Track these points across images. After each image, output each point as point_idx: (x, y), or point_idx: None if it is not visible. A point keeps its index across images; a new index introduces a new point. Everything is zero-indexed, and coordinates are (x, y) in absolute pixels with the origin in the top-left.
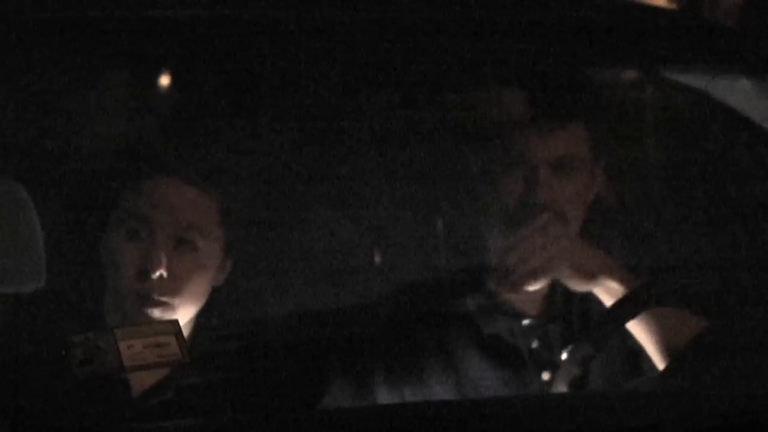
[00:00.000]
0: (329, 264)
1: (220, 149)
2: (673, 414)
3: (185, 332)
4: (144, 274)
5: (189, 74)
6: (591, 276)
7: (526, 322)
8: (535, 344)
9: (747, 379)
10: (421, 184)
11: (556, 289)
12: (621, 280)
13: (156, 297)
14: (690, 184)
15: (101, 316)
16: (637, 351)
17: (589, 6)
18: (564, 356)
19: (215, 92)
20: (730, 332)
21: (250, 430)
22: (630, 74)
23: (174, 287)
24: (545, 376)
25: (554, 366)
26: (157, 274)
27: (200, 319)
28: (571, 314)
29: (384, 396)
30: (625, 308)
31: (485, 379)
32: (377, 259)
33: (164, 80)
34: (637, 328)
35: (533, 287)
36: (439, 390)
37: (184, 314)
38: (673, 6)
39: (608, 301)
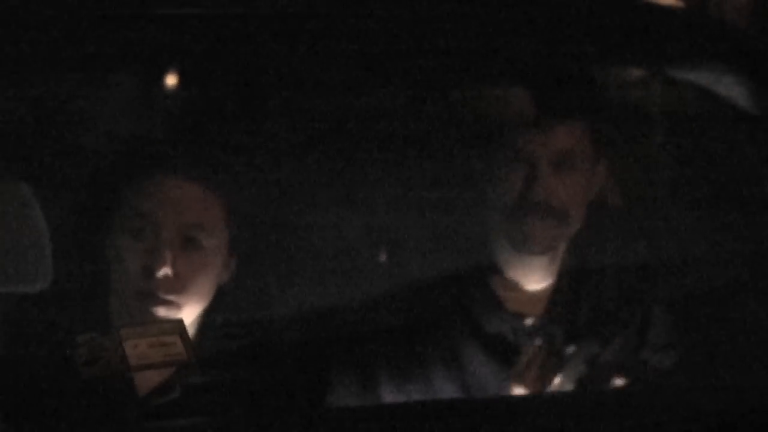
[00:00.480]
0: (334, 262)
1: (225, 148)
2: (674, 414)
3: (190, 331)
4: (149, 272)
5: (195, 73)
6: None
7: (529, 321)
8: (537, 344)
9: (748, 377)
10: (425, 182)
11: (559, 288)
12: None
13: (161, 296)
14: (693, 183)
15: (106, 316)
16: (641, 348)
17: (595, 3)
18: (567, 355)
19: (221, 91)
20: (731, 329)
21: (255, 429)
22: (635, 72)
23: (179, 286)
24: (547, 376)
25: (557, 366)
26: (163, 272)
27: (205, 318)
28: (574, 314)
29: (388, 395)
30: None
31: (489, 379)
32: (382, 258)
33: (170, 79)
34: None
35: None
36: (444, 389)
37: (190, 313)
38: (680, 4)
39: None
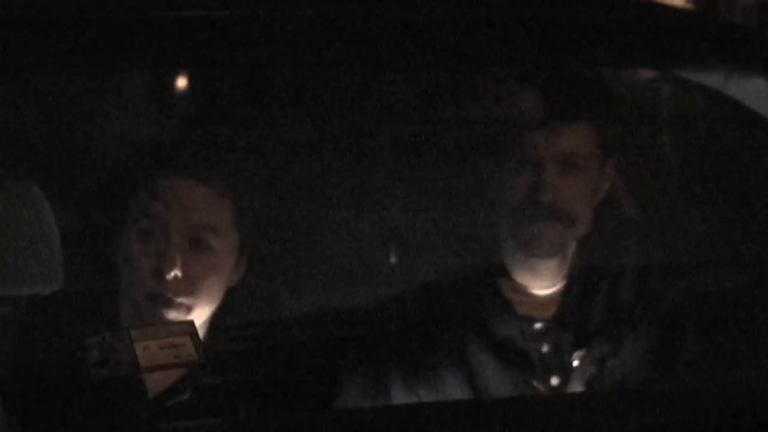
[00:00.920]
0: (344, 264)
1: (235, 150)
2: (674, 414)
3: (200, 333)
4: (159, 274)
5: (205, 75)
6: None
7: (538, 325)
8: (546, 348)
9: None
10: (434, 185)
11: (567, 292)
12: None
13: (171, 297)
14: (703, 185)
15: (117, 317)
16: (650, 350)
17: (603, 4)
18: (577, 358)
19: (231, 93)
20: (742, 331)
21: (266, 430)
22: (645, 73)
23: (189, 288)
24: (555, 379)
25: (566, 369)
26: (172, 274)
27: (215, 320)
28: (583, 317)
29: (399, 396)
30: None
31: (497, 382)
32: (392, 260)
33: (181, 81)
34: None
35: None
36: (453, 390)
37: (200, 315)
38: (690, 5)
39: None
